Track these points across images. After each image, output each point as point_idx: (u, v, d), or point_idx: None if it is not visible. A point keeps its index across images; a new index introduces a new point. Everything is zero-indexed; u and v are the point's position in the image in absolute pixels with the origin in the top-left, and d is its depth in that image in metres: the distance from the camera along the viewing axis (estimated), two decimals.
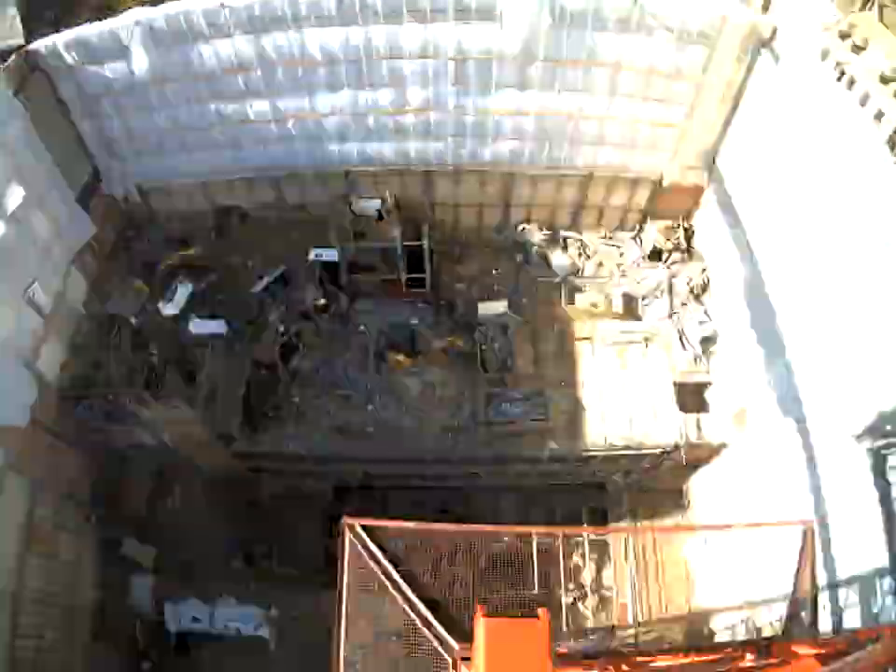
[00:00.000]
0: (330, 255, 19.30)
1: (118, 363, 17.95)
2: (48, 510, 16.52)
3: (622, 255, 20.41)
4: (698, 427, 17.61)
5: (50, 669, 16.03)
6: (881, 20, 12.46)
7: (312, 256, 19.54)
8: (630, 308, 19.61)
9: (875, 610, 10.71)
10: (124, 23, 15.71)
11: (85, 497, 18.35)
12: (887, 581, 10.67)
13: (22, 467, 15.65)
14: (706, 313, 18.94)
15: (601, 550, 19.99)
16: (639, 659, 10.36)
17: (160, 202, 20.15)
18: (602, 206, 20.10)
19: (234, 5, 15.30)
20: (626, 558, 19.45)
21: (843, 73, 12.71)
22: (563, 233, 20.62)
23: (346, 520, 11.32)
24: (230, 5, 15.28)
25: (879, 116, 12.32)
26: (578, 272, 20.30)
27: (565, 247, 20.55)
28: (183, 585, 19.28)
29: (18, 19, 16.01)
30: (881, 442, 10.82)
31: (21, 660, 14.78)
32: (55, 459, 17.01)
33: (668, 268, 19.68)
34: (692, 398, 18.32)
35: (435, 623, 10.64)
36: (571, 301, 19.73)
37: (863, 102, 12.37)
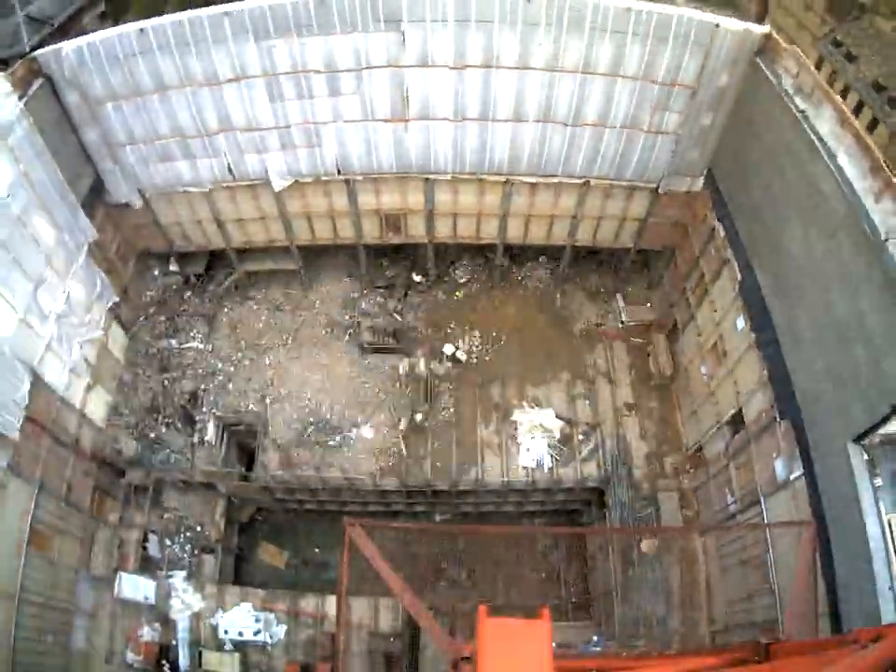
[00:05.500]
0: None
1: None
2: (48, 512, 16.44)
3: None
4: None
5: None
6: (873, 28, 12.65)
7: None
8: None
9: (874, 610, 10.72)
10: (128, 31, 15.96)
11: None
12: (886, 581, 10.71)
13: (23, 469, 15.60)
14: None
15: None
16: (637, 662, 10.33)
17: (162, 209, 20.30)
18: (599, 217, 20.31)
19: (237, 13, 15.56)
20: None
21: (835, 81, 12.92)
22: None
23: (347, 520, 11.30)
24: (233, 13, 15.55)
25: (873, 125, 12.51)
26: None
27: None
28: None
29: (23, 26, 16.28)
30: (876, 442, 10.91)
31: (21, 663, 14.63)
32: (56, 462, 16.95)
33: None
34: None
35: (435, 622, 10.61)
36: None
37: (857, 110, 12.56)
